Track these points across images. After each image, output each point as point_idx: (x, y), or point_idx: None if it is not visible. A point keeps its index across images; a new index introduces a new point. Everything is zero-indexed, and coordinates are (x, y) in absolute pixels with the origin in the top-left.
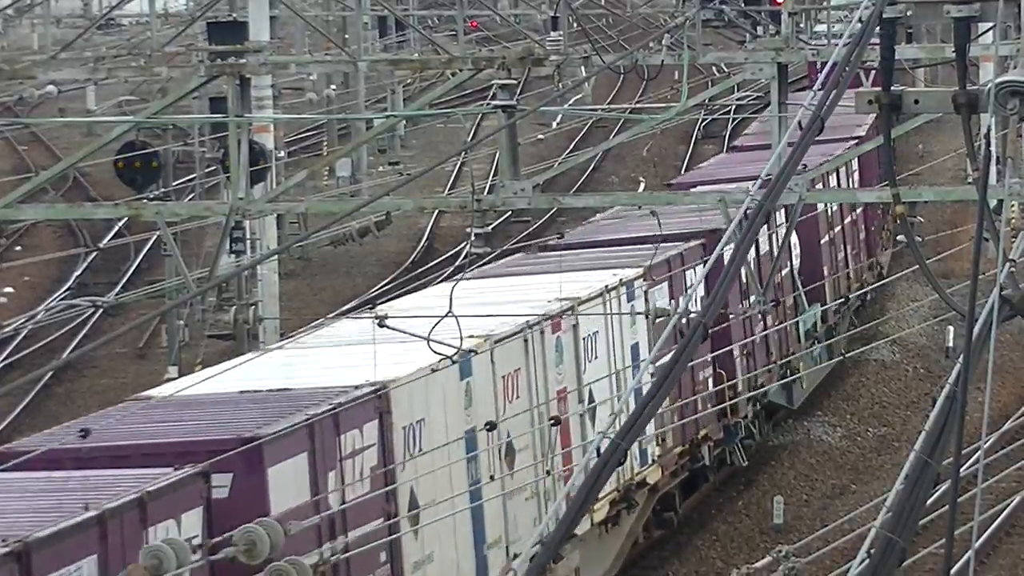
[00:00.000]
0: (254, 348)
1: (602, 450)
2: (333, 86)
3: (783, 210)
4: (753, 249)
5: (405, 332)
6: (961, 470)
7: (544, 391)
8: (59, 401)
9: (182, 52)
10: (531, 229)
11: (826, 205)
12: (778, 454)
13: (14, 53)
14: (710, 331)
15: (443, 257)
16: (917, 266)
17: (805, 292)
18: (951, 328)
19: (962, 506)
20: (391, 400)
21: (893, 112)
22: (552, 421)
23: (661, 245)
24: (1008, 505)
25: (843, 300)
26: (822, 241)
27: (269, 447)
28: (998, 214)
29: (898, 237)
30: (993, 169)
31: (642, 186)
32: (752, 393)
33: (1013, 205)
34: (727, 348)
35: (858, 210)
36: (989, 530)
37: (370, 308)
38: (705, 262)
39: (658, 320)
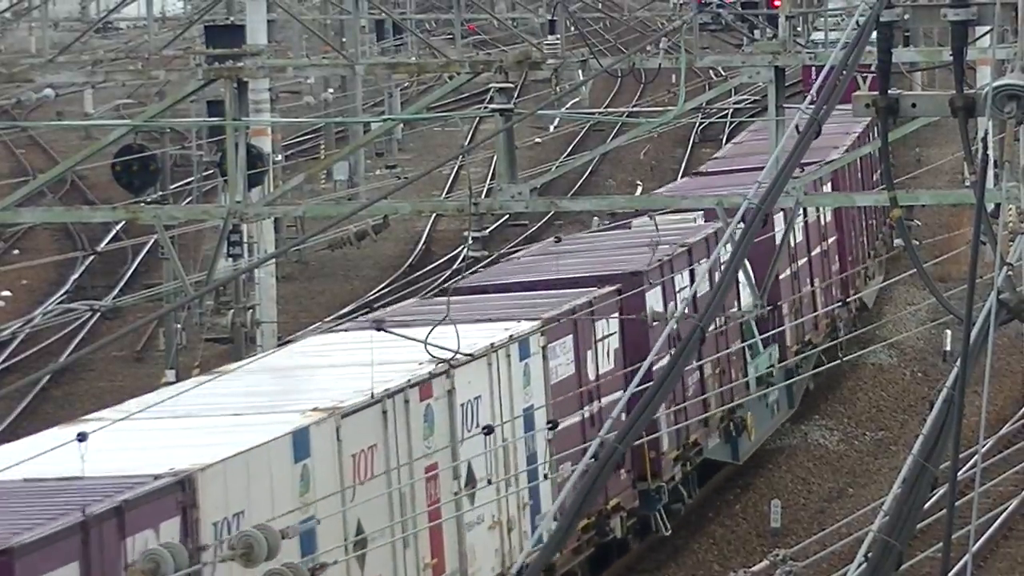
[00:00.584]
0: (252, 352)
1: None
2: (330, 89)
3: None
4: (689, 280)
5: (402, 336)
6: (958, 474)
7: (407, 470)
8: (57, 404)
9: (180, 55)
10: (528, 232)
11: (787, 235)
12: (775, 457)
13: (12, 56)
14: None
15: (440, 261)
16: (915, 270)
17: (760, 333)
18: (948, 332)
19: (959, 510)
20: (197, 491)
21: (890, 115)
22: (550, 424)
23: (566, 291)
24: (1006, 509)
25: (807, 341)
26: (782, 276)
27: (24, 559)
28: (995, 217)
29: (896, 241)
30: (990, 172)
31: (639, 189)
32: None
33: (1010, 208)
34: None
35: (831, 239)
36: (987, 534)
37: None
38: (621, 310)
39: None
